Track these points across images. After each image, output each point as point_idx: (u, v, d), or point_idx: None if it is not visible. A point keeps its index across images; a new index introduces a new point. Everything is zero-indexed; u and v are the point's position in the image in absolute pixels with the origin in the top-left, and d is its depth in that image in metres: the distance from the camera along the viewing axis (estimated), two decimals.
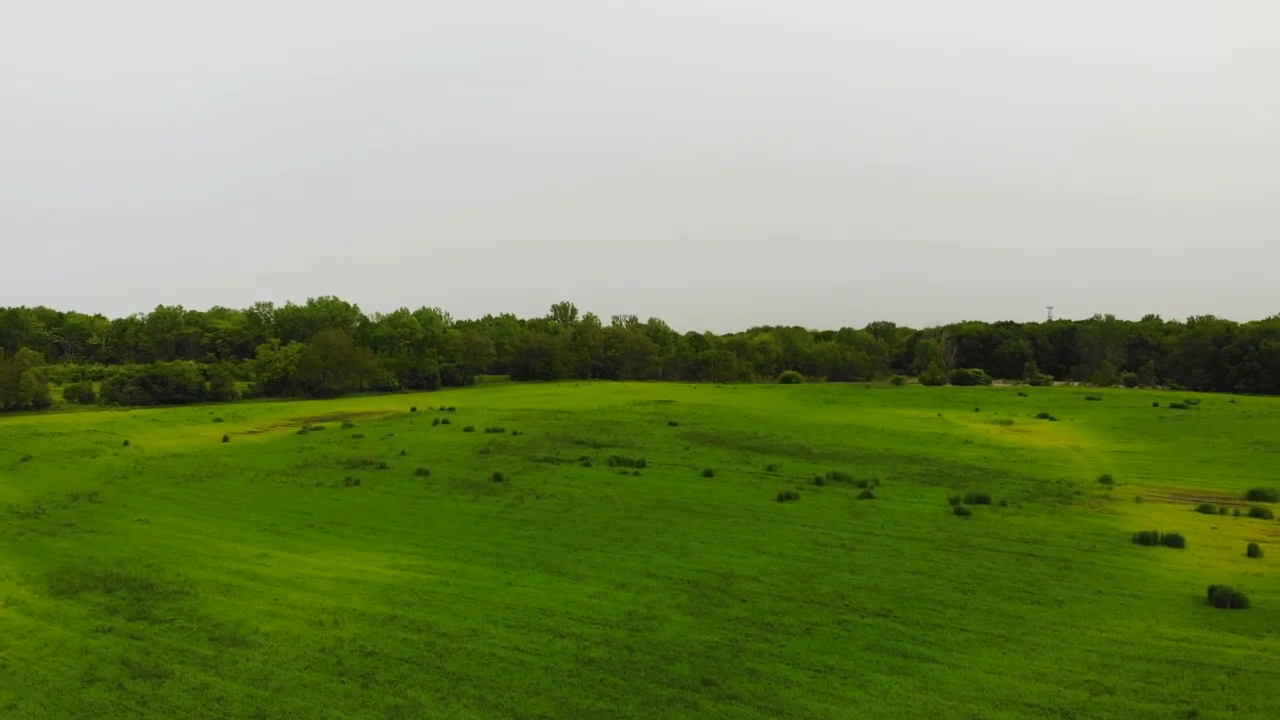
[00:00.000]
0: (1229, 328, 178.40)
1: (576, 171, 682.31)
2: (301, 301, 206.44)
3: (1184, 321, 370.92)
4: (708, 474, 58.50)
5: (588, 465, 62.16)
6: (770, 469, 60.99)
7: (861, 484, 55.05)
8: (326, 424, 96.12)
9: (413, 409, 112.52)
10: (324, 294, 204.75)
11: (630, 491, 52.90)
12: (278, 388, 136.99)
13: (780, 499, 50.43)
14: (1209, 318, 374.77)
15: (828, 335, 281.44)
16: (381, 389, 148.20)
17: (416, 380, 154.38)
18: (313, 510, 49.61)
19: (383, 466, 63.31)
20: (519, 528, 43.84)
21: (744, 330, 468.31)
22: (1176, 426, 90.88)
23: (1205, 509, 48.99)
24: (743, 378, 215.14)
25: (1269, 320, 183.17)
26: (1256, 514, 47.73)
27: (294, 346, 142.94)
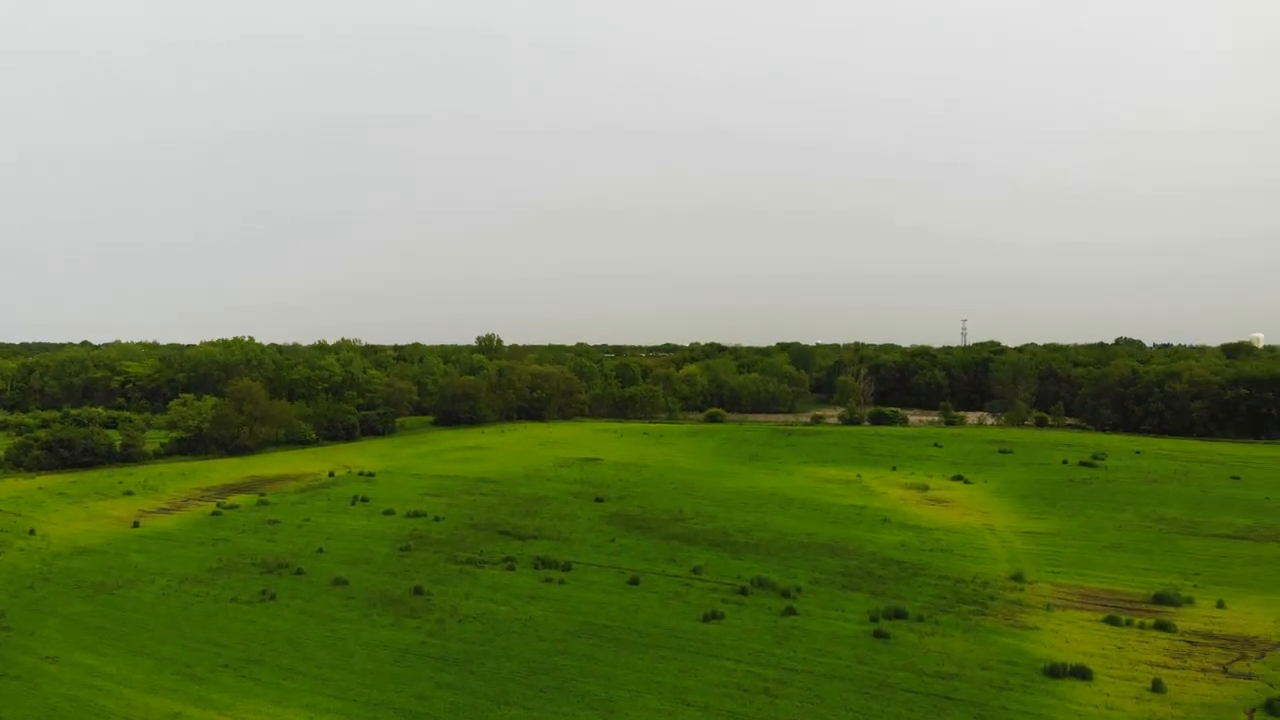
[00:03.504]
0: (1134, 369, 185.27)
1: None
2: (212, 336, 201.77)
3: (1093, 344, 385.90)
4: (633, 581, 58.52)
5: (512, 569, 61.67)
6: (695, 571, 61.33)
7: (785, 593, 55.77)
8: (241, 498, 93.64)
9: (330, 474, 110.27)
10: (237, 331, 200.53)
11: (556, 610, 52.63)
12: (191, 445, 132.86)
13: (705, 619, 50.69)
14: (1117, 343, 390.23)
15: (750, 365, 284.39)
16: (299, 441, 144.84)
17: (335, 431, 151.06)
18: (227, 640, 48.17)
19: (299, 572, 61.84)
20: (440, 669, 43.20)
21: (665, 343, 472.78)
22: (1085, 494, 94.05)
23: (1112, 620, 50.75)
24: (670, 415, 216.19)
25: (1172, 363, 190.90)
26: (1161, 626, 49.57)
27: (208, 402, 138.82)
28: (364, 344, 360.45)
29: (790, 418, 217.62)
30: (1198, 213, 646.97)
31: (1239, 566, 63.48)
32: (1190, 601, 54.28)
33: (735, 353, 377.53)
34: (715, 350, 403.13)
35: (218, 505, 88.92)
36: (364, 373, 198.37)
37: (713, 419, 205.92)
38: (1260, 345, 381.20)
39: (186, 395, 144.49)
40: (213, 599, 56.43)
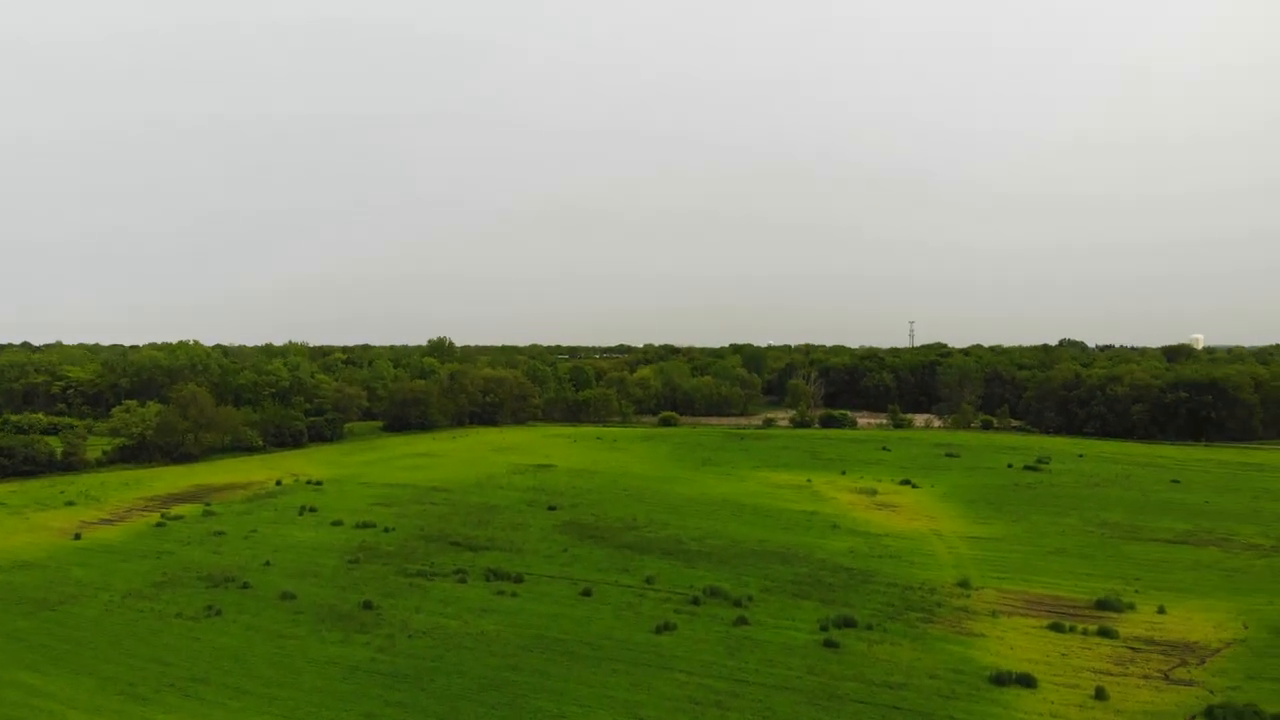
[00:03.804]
0: (1077, 373, 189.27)
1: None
2: (156, 337, 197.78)
3: (1038, 345, 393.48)
4: (586, 593, 58.39)
5: (464, 581, 61.19)
6: (648, 581, 61.36)
7: (737, 603, 56.11)
8: (186, 508, 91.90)
9: (278, 482, 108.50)
10: (181, 332, 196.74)
11: (507, 623, 52.32)
12: (135, 453, 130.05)
13: (658, 630, 50.74)
14: (1060, 344, 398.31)
15: (703, 368, 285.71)
16: (245, 448, 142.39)
17: (282, 437, 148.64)
18: (172, 659, 47.22)
19: (246, 586, 60.79)
20: (390, 687, 42.74)
21: (619, 344, 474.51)
22: (1029, 499, 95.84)
23: (1056, 626, 51.76)
24: (623, 418, 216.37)
25: (1114, 366, 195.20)
26: (1104, 633, 50.67)
27: (152, 408, 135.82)
28: (312, 346, 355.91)
29: (742, 420, 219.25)
30: (1140, 217, 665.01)
31: (1179, 571, 65.10)
32: (1132, 607, 55.53)
33: (688, 354, 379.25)
34: (668, 352, 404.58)
35: (162, 516, 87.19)
36: (312, 377, 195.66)
37: (666, 422, 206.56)
38: (1200, 347, 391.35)
39: (130, 402, 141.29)
40: (157, 615, 55.32)
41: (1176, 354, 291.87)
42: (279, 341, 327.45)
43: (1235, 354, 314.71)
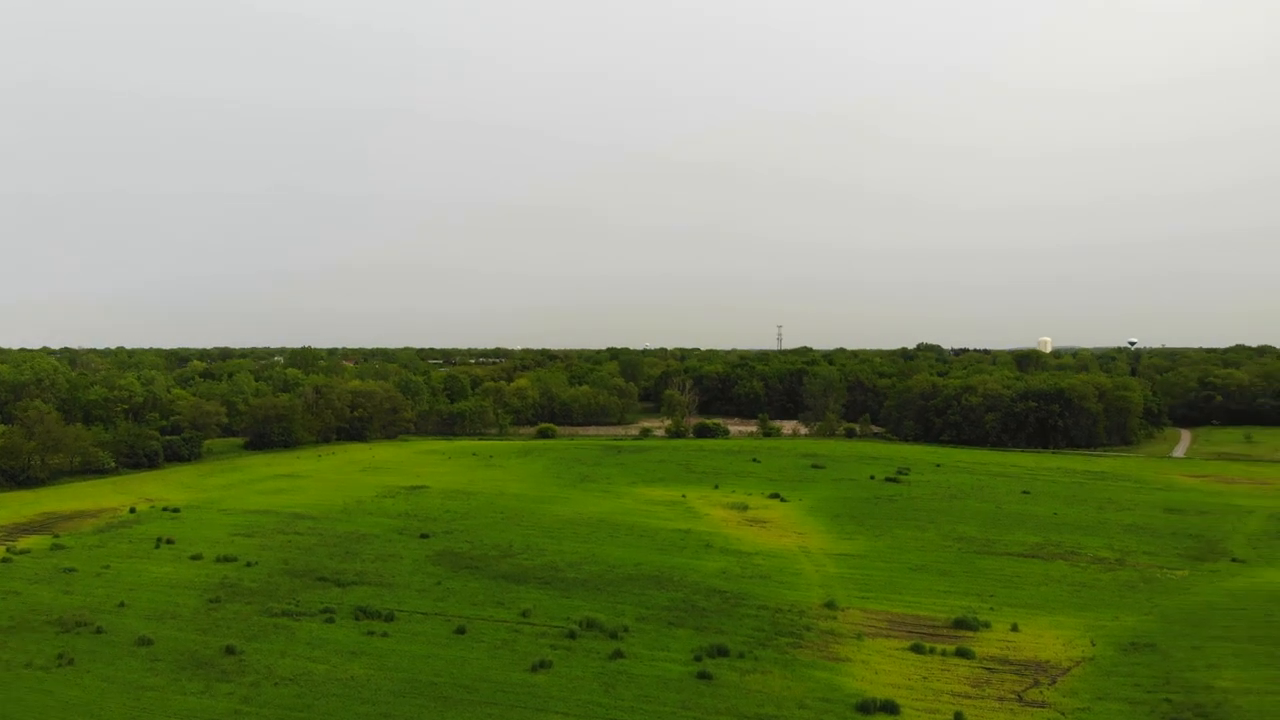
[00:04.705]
0: (935, 384, 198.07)
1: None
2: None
3: (896, 350, 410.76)
4: (460, 630, 57.43)
5: (331, 621, 59.39)
6: (524, 615, 60.90)
7: (613, 634, 56.41)
8: (33, 540, 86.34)
9: (132, 509, 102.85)
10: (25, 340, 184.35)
11: (378, 667, 51.02)
12: None
13: (534, 669, 50.42)
14: (918, 349, 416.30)
15: (582, 377, 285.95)
16: (96, 471, 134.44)
17: (136, 458, 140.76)
18: (21, 715, 44.62)
19: (99, 630, 57.53)
20: None
21: (496, 347, 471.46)
22: (891, 512, 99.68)
23: (917, 648, 54.04)
24: (500, 430, 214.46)
25: (969, 376, 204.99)
26: (961, 653, 53.22)
27: None
28: (167, 350, 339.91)
29: (620, 430, 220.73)
30: (992, 226, 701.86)
31: (1030, 586, 68.79)
32: (987, 625, 58.42)
33: (566, 359, 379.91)
34: (546, 358, 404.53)
35: (7, 550, 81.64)
36: (168, 392, 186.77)
37: (544, 434, 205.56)
38: (1048, 350, 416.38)
39: None
40: (4, 665, 51.94)
41: (1027, 360, 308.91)
42: (130, 345, 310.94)
43: (1080, 359, 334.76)
